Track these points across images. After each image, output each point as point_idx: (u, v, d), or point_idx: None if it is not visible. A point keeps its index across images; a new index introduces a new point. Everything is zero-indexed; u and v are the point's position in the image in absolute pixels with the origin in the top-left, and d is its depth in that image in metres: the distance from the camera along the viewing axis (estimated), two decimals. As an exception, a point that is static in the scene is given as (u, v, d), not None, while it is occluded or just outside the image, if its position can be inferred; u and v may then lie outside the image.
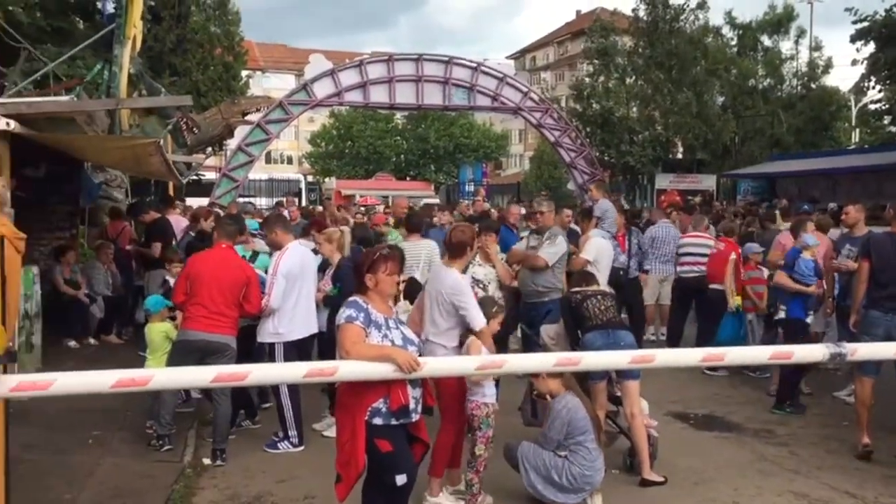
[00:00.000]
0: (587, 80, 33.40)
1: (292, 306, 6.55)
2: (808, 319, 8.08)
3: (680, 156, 34.14)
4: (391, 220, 12.66)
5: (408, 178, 52.41)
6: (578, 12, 65.19)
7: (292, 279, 6.52)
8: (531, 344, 7.36)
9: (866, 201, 13.79)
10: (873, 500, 5.71)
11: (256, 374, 4.43)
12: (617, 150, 31.06)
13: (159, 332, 6.91)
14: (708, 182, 29.10)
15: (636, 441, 6.04)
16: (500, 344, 7.22)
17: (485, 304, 5.66)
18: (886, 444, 6.85)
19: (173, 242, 10.57)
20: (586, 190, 21.49)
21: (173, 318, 7.07)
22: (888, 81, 19.65)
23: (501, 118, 45.53)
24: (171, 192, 16.92)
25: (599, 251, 8.43)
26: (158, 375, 4.32)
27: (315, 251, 7.51)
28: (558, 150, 23.42)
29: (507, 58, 62.91)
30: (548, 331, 7.24)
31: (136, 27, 12.36)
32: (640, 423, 6.03)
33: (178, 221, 11.39)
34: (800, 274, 8.01)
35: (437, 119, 53.99)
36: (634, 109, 32.31)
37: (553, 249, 7.94)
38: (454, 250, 5.75)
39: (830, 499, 5.74)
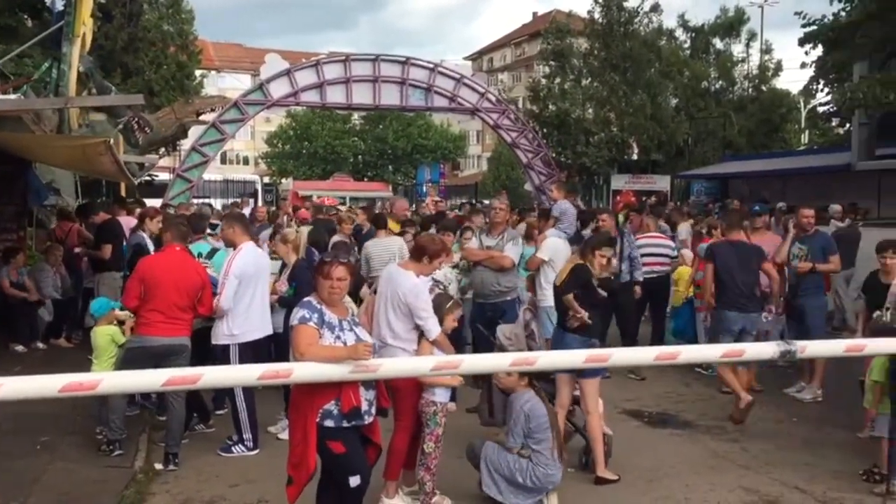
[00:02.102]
0: (543, 81, 33.59)
1: (246, 307, 6.46)
2: None
3: (635, 157, 34.52)
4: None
5: (365, 179, 52.20)
6: (535, 14, 65.70)
7: (246, 280, 6.43)
8: (486, 344, 7.38)
9: (815, 201, 14.13)
10: (822, 494, 5.81)
11: (209, 376, 4.36)
12: (573, 150, 31.26)
13: (105, 335, 6.73)
14: (662, 183, 29.48)
15: (592, 439, 6.08)
16: (459, 345, 7.26)
17: (439, 301, 5.62)
18: (835, 440, 7.01)
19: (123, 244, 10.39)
20: (543, 191, 21.67)
21: (122, 322, 6.91)
22: (835, 84, 20.13)
23: (459, 119, 45.58)
24: (123, 193, 16.65)
25: (555, 251, 8.48)
26: (108, 379, 4.23)
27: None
28: (515, 151, 23.54)
29: (464, 59, 63.20)
30: (504, 331, 7.26)
31: (85, 25, 12.15)
32: (596, 421, 6.07)
33: (129, 222, 11.18)
34: None
35: (394, 119, 53.92)
36: (590, 111, 32.55)
37: (518, 249, 8.12)
38: (413, 253, 5.73)
39: (780, 494, 5.83)
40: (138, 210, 11.61)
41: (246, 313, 6.46)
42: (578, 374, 6.07)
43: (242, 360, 6.27)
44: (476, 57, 71.08)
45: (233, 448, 6.55)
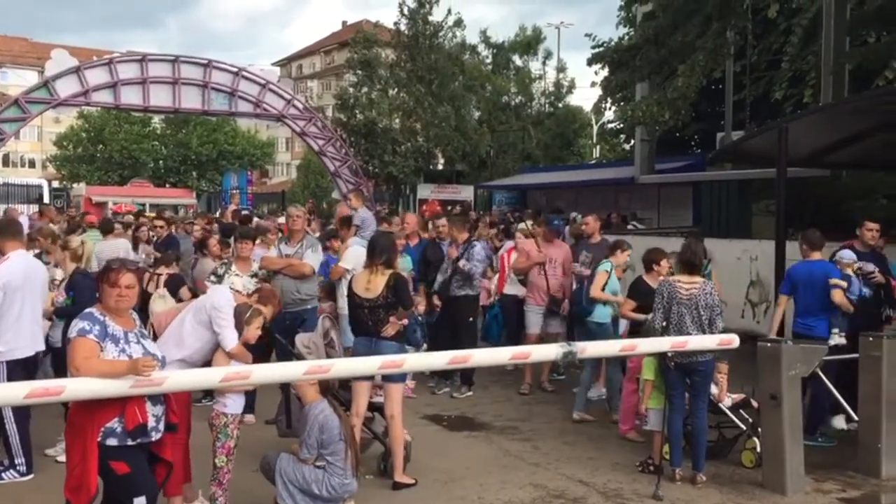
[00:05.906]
0: (351, 90, 33.70)
1: (15, 321, 5.93)
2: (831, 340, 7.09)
3: (440, 167, 35.39)
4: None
5: (167, 185, 49.80)
6: (344, 23, 65.71)
7: (13, 291, 5.90)
8: (285, 353, 7.27)
9: (604, 211, 15.15)
10: (602, 485, 6.21)
11: (-33, 398, 3.99)
12: (381, 160, 31.55)
13: None
14: (466, 192, 30.37)
15: (392, 444, 6.14)
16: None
17: (240, 310, 5.46)
18: (616, 435, 7.50)
19: None
20: (349, 199, 21.69)
21: None
22: (620, 103, 21.65)
23: (268, 125, 44.63)
24: None
25: (357, 260, 8.50)
26: None
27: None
28: (323, 159, 23.41)
29: (273, 64, 62.03)
30: (303, 340, 7.18)
31: None
32: (399, 424, 6.13)
33: None
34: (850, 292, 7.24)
35: (199, 124, 51.84)
36: (397, 121, 33.01)
37: (317, 257, 8.05)
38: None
39: (566, 488, 6.17)
40: None
41: (15, 328, 5.93)
42: (384, 378, 6.10)
43: (11, 379, 5.75)
44: (285, 63, 70.06)
45: (3, 474, 6.02)
